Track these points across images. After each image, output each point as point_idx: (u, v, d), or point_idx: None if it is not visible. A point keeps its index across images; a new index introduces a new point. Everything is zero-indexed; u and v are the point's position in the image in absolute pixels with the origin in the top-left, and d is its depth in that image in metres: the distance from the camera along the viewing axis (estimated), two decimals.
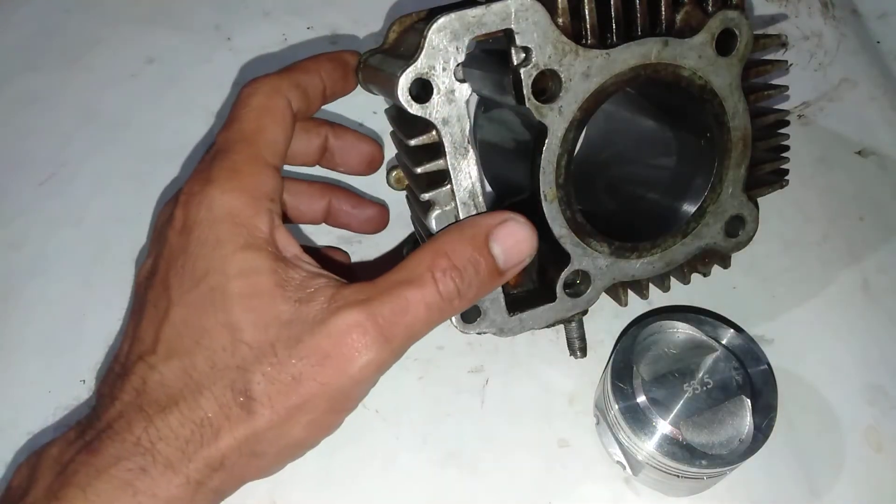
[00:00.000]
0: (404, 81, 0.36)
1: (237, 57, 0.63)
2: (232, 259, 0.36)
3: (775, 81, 0.46)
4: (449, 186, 0.39)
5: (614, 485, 0.47)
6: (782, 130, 0.47)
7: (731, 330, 0.47)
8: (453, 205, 0.39)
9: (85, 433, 0.35)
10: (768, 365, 0.45)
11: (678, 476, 0.44)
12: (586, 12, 0.38)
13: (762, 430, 0.43)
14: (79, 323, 0.53)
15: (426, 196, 0.39)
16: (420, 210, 0.40)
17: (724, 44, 0.41)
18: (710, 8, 0.41)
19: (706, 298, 0.53)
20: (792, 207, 0.57)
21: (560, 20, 0.38)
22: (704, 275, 0.47)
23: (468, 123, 0.38)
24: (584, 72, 0.38)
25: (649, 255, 0.44)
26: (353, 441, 0.48)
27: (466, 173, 0.38)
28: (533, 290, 0.44)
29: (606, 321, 0.51)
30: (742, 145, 0.44)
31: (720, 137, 0.43)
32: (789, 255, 0.55)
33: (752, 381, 0.45)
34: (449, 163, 0.38)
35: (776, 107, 0.47)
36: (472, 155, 0.38)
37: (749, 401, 0.44)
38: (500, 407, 0.50)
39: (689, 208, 0.45)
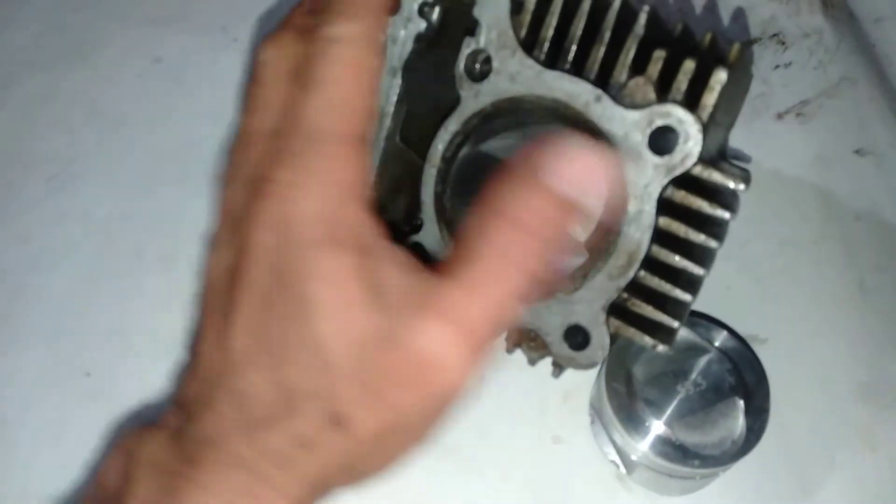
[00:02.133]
0: None
1: (243, 58, 0.63)
2: (318, 262, 0.32)
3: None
4: None
5: (608, 482, 0.48)
6: (685, 288, 0.37)
7: (725, 332, 0.47)
8: None
9: (180, 439, 0.33)
10: (761, 367, 0.46)
11: (671, 476, 0.45)
12: (546, 24, 0.37)
13: (754, 432, 0.44)
14: (84, 317, 0.54)
15: None
16: None
17: (659, 141, 0.34)
18: (669, 95, 0.35)
19: (700, 298, 0.53)
20: (788, 206, 0.57)
21: (521, 18, 0.37)
22: (529, 361, 0.42)
23: (405, 53, 0.38)
24: (512, 74, 0.37)
25: None
26: None
27: (385, 93, 0.39)
28: (395, 223, 0.42)
29: None
30: (626, 260, 0.36)
31: (605, 232, 0.37)
32: (784, 255, 0.56)
33: (745, 382, 0.46)
34: (382, 75, 0.39)
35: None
36: (397, 83, 0.39)
37: (742, 402, 0.45)
38: (496, 402, 0.50)
39: None
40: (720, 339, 0.47)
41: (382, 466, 0.34)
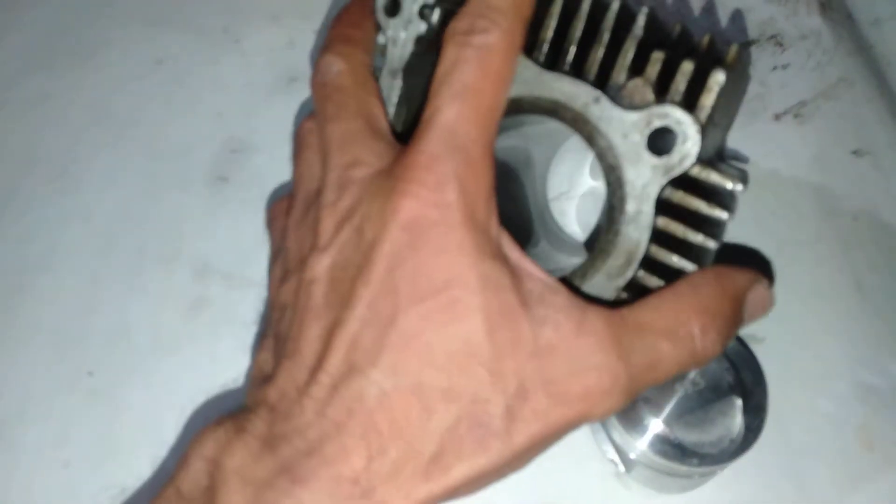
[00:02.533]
0: None
1: (245, 59, 0.64)
2: (475, 269, 0.31)
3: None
4: None
5: (606, 480, 0.48)
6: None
7: None
8: None
9: (276, 448, 0.30)
10: (759, 366, 0.46)
11: (670, 474, 0.45)
12: (546, 26, 0.37)
13: (752, 431, 0.44)
14: (87, 316, 0.54)
15: None
16: None
17: (657, 141, 0.34)
18: (667, 96, 0.35)
19: None
20: (786, 206, 0.58)
21: None
22: None
23: (405, 55, 0.39)
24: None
25: None
26: None
27: (386, 95, 0.39)
28: None
29: None
30: (625, 260, 0.36)
31: (604, 232, 0.36)
32: (782, 254, 0.56)
33: (742, 381, 0.46)
34: (382, 76, 0.39)
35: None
36: (398, 84, 0.39)
37: (740, 401, 0.45)
38: None
39: None
40: None
41: (498, 479, 0.32)
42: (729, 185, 0.35)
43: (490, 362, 0.30)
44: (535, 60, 0.37)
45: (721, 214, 0.35)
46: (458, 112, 0.32)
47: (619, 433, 0.45)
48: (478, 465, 0.30)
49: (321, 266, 0.33)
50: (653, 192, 0.34)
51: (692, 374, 0.46)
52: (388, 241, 0.31)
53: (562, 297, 0.32)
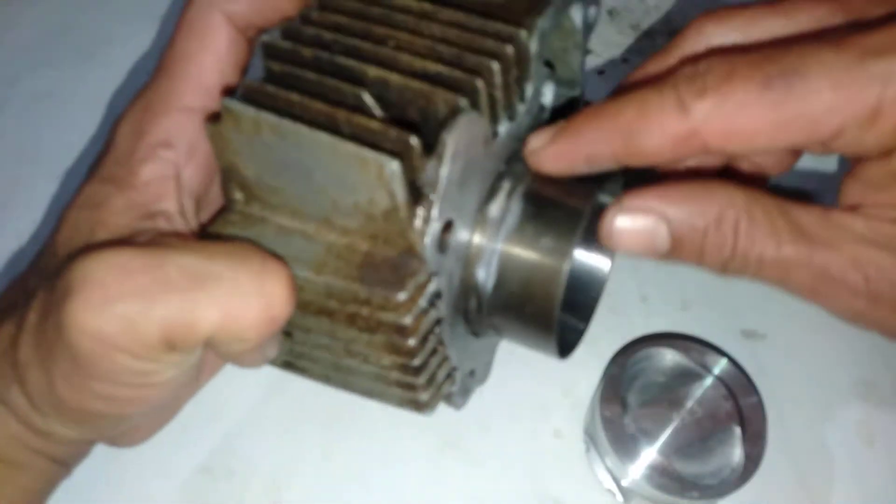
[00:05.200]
0: None
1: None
2: (114, 223, 0.36)
3: None
4: None
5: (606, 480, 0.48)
6: None
7: (718, 355, 0.47)
8: None
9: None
10: (757, 391, 0.46)
11: None
12: None
13: (752, 459, 0.43)
14: None
15: None
16: None
17: None
18: None
19: (699, 294, 0.53)
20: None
21: None
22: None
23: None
24: None
25: None
26: (353, 428, 0.49)
27: None
28: None
29: (596, 348, 0.51)
30: None
31: None
32: None
33: (740, 409, 0.45)
34: None
35: None
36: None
37: (739, 430, 0.44)
38: (497, 396, 0.50)
39: None
40: (714, 363, 0.46)
41: (71, 418, 0.35)
42: None
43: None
44: None
45: None
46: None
47: (615, 465, 0.44)
48: (28, 393, 0.35)
49: None
50: None
51: (689, 403, 0.45)
52: None
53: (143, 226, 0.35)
